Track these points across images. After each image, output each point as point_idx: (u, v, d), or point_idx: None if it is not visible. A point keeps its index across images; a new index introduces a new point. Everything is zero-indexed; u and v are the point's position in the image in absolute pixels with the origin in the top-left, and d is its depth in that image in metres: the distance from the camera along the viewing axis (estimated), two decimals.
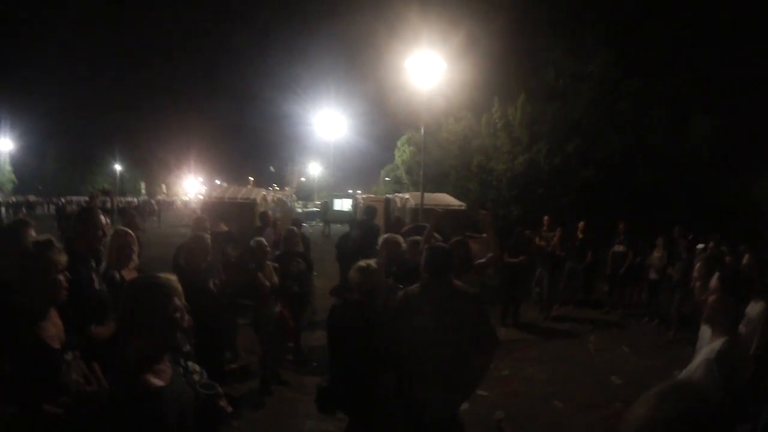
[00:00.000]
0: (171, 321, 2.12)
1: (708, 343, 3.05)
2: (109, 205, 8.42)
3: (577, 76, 21.43)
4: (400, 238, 5.42)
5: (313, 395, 4.37)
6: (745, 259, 5.92)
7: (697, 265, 3.96)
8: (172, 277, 2.50)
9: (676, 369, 7.39)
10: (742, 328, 3.28)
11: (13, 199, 42.65)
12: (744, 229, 11.79)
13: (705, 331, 3.34)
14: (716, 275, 3.04)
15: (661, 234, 10.92)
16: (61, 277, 2.69)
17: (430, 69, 12.69)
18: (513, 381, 7.16)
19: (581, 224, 12.02)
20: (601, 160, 20.37)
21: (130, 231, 4.55)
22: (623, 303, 11.48)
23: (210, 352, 5.00)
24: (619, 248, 11.36)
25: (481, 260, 6.96)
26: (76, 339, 2.83)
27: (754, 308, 4.39)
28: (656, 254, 10.59)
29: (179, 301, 2.20)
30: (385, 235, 5.46)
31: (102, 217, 4.05)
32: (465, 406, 6.07)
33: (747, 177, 18.59)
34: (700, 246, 10.36)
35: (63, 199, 47.34)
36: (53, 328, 2.65)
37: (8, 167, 57.88)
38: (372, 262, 4.01)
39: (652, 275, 10.73)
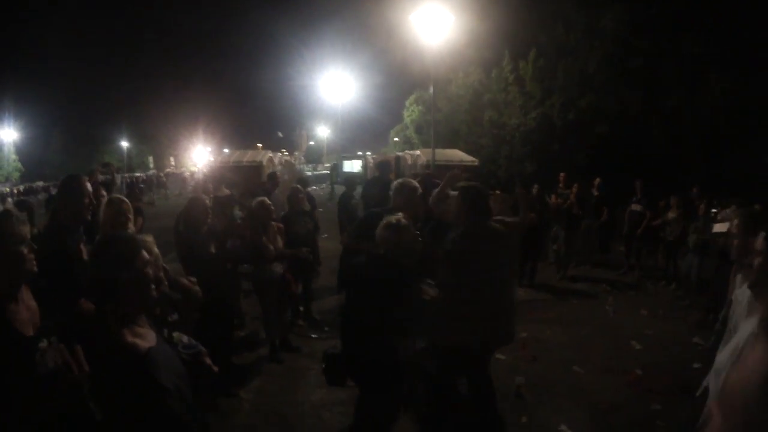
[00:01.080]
0: (140, 276, 1.99)
1: (749, 310, 2.81)
2: (110, 178, 8.35)
3: (588, 31, 20.81)
4: (415, 183, 5.02)
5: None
6: None
7: (735, 222, 3.63)
8: (148, 238, 2.33)
9: (696, 336, 7.28)
10: None
11: (21, 188, 42.16)
12: (760, 194, 11.39)
13: (742, 294, 3.06)
14: (763, 235, 2.65)
15: (676, 194, 10.55)
16: (23, 249, 2.37)
17: (437, 23, 12.24)
18: (531, 344, 6.95)
19: (596, 181, 11.74)
20: (616, 116, 19.90)
21: (125, 199, 4.36)
22: (640, 264, 11.14)
23: (216, 319, 4.82)
24: (636, 207, 11.02)
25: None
26: (59, 319, 2.58)
27: None
28: (671, 215, 10.20)
29: (149, 256, 2.09)
30: (399, 180, 5.07)
31: (88, 185, 3.78)
32: None
33: (764, 142, 18.09)
34: (714, 210, 10.05)
35: None
36: (26, 311, 2.35)
37: (14, 156, 58.42)
38: (401, 216, 3.74)
39: (669, 236, 10.31)
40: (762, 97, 17.86)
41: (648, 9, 19.58)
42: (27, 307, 2.38)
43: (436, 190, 5.54)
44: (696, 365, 6.09)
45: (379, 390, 3.65)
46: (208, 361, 2.36)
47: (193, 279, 3.95)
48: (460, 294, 3.90)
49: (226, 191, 7.84)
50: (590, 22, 20.63)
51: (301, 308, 7.34)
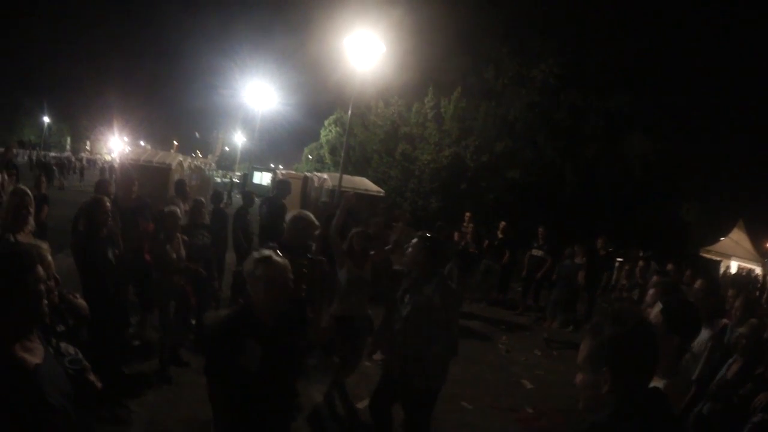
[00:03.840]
0: (32, 293, 1.91)
1: None
2: (14, 170, 8.00)
3: (518, 79, 21.61)
4: (312, 217, 4.96)
5: None
6: (698, 283, 5.60)
7: (651, 292, 3.77)
8: (43, 245, 2.25)
9: None
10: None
11: None
12: (665, 249, 12.16)
13: None
14: (659, 308, 2.74)
15: (580, 242, 11.04)
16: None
17: (368, 50, 12.35)
18: None
19: (502, 224, 12.07)
20: (530, 163, 20.66)
21: (28, 192, 4.21)
22: (537, 307, 11.51)
23: (108, 327, 4.63)
24: (536, 253, 11.42)
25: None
26: None
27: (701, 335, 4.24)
28: (577, 262, 10.60)
29: (43, 272, 2.00)
30: (297, 213, 5.03)
31: None
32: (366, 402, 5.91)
33: (675, 200, 19.29)
34: (620, 260, 10.59)
35: None
36: None
37: None
38: (271, 253, 3.18)
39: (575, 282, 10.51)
40: (677, 158, 19.14)
41: (579, 65, 20.57)
42: None
43: (333, 222, 5.64)
44: None
45: None
46: (92, 377, 2.30)
47: (78, 295, 3.74)
48: (448, 342, 4.20)
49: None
50: (521, 70, 21.41)
51: (193, 321, 7.09)
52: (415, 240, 4.36)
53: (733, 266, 20.92)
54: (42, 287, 1.96)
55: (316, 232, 5.14)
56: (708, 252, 13.86)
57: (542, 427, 5.92)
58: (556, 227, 12.91)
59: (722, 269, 19.49)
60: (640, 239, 15.00)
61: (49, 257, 2.82)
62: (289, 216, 5.06)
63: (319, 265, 4.98)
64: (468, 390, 6.72)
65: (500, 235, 11.98)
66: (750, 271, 21.12)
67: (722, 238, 16.85)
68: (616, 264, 10.98)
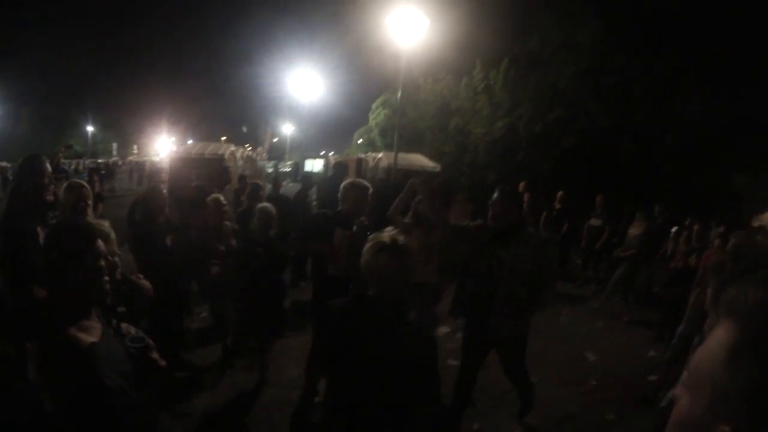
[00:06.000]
0: (93, 269, 1.90)
1: None
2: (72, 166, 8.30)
3: (564, 45, 21.07)
4: (366, 183, 5.05)
5: (276, 360, 4.72)
6: None
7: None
8: (105, 223, 2.21)
9: (651, 350, 7.35)
10: None
11: None
12: (718, 218, 11.65)
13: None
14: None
15: (640, 210, 10.66)
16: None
17: (411, 26, 12.18)
18: None
19: (559, 194, 11.77)
20: (584, 131, 20.17)
21: (85, 184, 4.28)
22: (598, 278, 11.23)
23: (167, 313, 4.70)
24: (595, 222, 11.12)
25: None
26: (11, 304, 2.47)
27: None
28: (633, 231, 10.27)
29: (104, 247, 1.99)
30: (349, 180, 5.05)
31: (48, 165, 3.67)
32: None
33: (728, 168, 18.54)
34: (675, 228, 10.23)
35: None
36: None
37: None
38: (399, 236, 2.57)
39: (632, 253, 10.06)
40: (730, 120, 18.34)
41: (624, 28, 19.89)
42: None
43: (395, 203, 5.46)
44: (651, 377, 6.15)
45: None
46: (156, 355, 2.24)
47: (141, 275, 3.78)
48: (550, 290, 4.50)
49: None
50: (567, 37, 20.87)
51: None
52: (496, 193, 4.34)
53: None
54: (102, 263, 1.95)
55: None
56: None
57: (606, 399, 5.80)
58: (614, 195, 12.54)
59: None
60: (692, 208, 14.46)
61: (113, 234, 2.86)
62: (343, 185, 4.99)
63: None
64: (532, 363, 6.61)
65: (558, 206, 11.71)
66: None
67: None
68: (672, 232, 10.54)
